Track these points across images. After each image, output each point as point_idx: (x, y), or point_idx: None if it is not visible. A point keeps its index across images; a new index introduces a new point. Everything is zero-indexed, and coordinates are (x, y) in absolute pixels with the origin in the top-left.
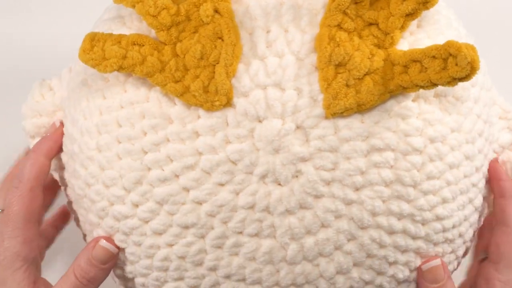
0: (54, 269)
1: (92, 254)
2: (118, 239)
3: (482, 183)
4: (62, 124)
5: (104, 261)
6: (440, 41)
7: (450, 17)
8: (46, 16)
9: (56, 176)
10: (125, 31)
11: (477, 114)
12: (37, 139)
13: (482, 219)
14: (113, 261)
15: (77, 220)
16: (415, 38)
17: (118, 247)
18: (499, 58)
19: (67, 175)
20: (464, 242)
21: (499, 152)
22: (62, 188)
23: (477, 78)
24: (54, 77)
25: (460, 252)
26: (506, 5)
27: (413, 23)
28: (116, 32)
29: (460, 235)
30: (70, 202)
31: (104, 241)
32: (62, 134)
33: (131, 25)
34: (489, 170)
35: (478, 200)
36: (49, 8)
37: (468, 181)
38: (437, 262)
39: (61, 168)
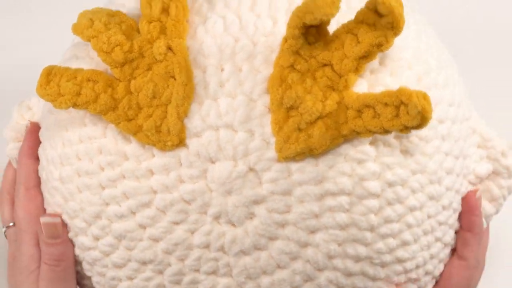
0: None
1: (41, 237)
2: (84, 267)
3: (452, 219)
4: (33, 123)
5: (54, 235)
6: (406, 77)
7: (420, 48)
8: (38, 28)
9: None
10: (88, 61)
11: (446, 151)
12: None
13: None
14: (64, 230)
15: None
16: (376, 77)
17: (60, 217)
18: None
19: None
20: (433, 278)
21: (476, 183)
22: None
23: (447, 113)
24: (33, 97)
25: (429, 286)
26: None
27: (375, 60)
28: (80, 60)
29: (427, 273)
30: None
31: (43, 217)
32: (35, 131)
33: (94, 55)
34: (463, 202)
35: (449, 236)
36: (42, 21)
37: (434, 220)
38: None
39: None
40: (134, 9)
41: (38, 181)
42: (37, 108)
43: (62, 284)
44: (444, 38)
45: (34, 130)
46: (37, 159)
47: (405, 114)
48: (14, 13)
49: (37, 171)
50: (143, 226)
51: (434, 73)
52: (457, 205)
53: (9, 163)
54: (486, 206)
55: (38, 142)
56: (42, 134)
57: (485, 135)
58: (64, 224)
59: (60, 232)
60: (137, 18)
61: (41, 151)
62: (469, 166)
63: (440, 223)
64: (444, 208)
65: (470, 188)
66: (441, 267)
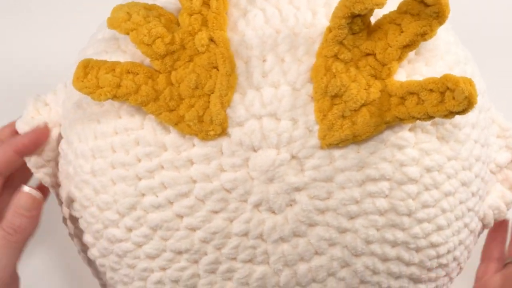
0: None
1: (16, 204)
2: (112, 260)
3: (478, 206)
4: (46, 127)
5: (28, 208)
6: (439, 67)
7: (449, 41)
8: (39, 30)
9: (52, 191)
10: (120, 54)
11: (475, 139)
12: (34, 158)
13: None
14: (38, 209)
15: (71, 236)
16: (413, 67)
17: (43, 194)
18: (499, 64)
19: (63, 193)
20: (458, 264)
21: (496, 172)
22: (59, 204)
23: None
24: (49, 92)
25: (454, 274)
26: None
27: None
28: (110, 54)
29: (455, 259)
30: (65, 219)
31: (27, 187)
32: (43, 135)
33: (126, 48)
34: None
35: (474, 223)
36: (43, 22)
37: (464, 206)
38: None
39: (58, 185)
40: (167, 3)
41: (5, 176)
42: (55, 104)
43: (5, 253)
44: None
45: (40, 133)
46: (20, 158)
47: (450, 100)
48: (14, 13)
49: (13, 169)
50: (180, 216)
51: (462, 63)
52: (482, 192)
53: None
54: (507, 193)
55: (36, 146)
56: (65, 130)
57: (503, 125)
58: (40, 203)
59: (35, 208)
60: (173, 11)
61: (65, 147)
62: (491, 155)
63: (469, 209)
64: (473, 194)
65: (492, 176)
66: (465, 254)
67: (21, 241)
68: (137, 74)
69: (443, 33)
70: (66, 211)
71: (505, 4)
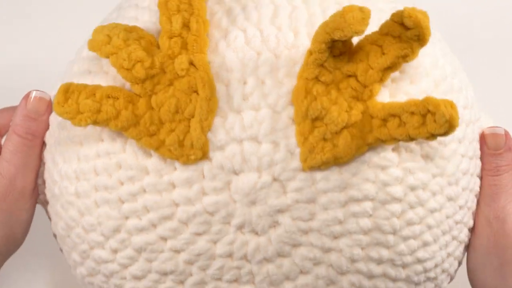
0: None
1: (28, 109)
2: (99, 280)
3: (467, 217)
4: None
5: (41, 111)
6: (425, 84)
7: (436, 54)
8: (39, 30)
9: (43, 208)
10: (102, 76)
11: (462, 153)
12: None
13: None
14: (49, 109)
15: (62, 251)
16: (397, 86)
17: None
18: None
19: (51, 211)
20: (448, 275)
21: None
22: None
23: (462, 116)
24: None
25: (444, 285)
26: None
27: None
28: (93, 74)
29: (444, 271)
30: (55, 235)
31: (36, 91)
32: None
33: (108, 69)
34: None
35: (463, 234)
36: (43, 22)
37: (451, 220)
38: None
39: (47, 202)
40: (149, 23)
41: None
42: None
43: (26, 159)
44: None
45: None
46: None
47: (432, 122)
48: (14, 13)
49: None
50: (164, 238)
51: (450, 77)
52: (471, 203)
53: None
54: None
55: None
56: (51, 149)
57: None
58: (50, 105)
59: (45, 109)
60: (154, 32)
61: (50, 166)
62: (480, 164)
63: (457, 222)
64: (460, 207)
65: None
66: (455, 264)
67: (39, 145)
68: (117, 98)
69: (429, 48)
70: (54, 228)
71: (499, 5)
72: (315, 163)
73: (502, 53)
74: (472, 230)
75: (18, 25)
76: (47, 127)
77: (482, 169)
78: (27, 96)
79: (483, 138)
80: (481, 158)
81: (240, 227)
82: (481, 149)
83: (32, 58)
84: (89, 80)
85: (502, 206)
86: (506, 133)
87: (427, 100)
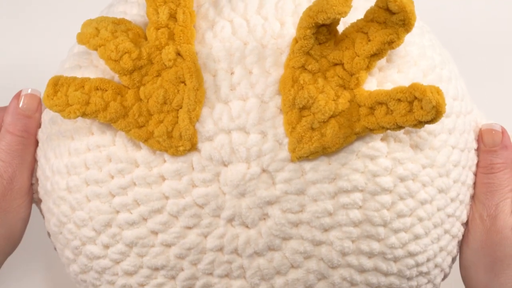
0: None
1: (22, 107)
2: (92, 276)
3: (459, 210)
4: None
5: (34, 108)
6: (412, 73)
7: (424, 45)
8: (38, 30)
9: (37, 207)
10: (92, 69)
11: (452, 145)
12: None
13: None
14: (41, 106)
15: (56, 249)
16: (384, 74)
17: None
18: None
19: (44, 208)
20: (441, 271)
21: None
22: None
23: (452, 107)
24: None
25: (438, 280)
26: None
27: (383, 58)
28: (83, 69)
29: (436, 266)
30: (49, 234)
31: (26, 89)
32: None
33: (98, 63)
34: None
35: (456, 228)
36: (42, 22)
37: (443, 213)
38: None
39: (40, 200)
40: (137, 16)
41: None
42: None
43: (22, 157)
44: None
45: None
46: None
47: (419, 109)
48: (13, 13)
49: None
50: (155, 232)
51: (438, 68)
52: (463, 197)
53: None
54: None
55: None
56: (43, 146)
57: None
58: (41, 102)
59: (37, 106)
60: (142, 25)
61: (43, 162)
62: (474, 158)
63: (449, 215)
64: (452, 200)
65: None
66: (449, 259)
67: (33, 143)
68: (106, 90)
69: (417, 38)
70: (48, 226)
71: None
72: (303, 153)
73: (501, 53)
74: (465, 226)
75: (18, 25)
76: (39, 124)
77: (477, 166)
78: (18, 95)
79: (480, 135)
80: (478, 156)
81: (230, 220)
82: (478, 146)
83: (32, 58)
84: (79, 74)
85: (495, 204)
86: (503, 131)
87: (414, 87)
